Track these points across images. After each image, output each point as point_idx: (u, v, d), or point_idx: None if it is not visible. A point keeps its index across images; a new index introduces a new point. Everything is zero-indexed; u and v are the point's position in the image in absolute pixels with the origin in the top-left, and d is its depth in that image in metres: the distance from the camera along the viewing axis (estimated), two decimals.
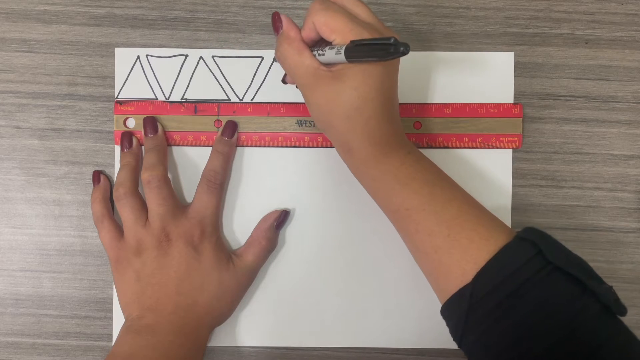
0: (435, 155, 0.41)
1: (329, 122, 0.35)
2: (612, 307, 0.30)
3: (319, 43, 0.36)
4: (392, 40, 0.30)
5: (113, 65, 0.43)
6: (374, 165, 0.35)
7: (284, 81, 0.42)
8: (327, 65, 0.35)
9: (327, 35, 0.34)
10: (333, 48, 0.33)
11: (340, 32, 0.33)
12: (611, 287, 0.31)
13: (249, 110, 0.42)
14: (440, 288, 0.34)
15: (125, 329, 0.38)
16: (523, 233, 0.33)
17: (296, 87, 0.42)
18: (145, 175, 0.39)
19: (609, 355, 0.29)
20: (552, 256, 0.31)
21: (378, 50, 0.31)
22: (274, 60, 0.43)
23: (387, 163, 0.35)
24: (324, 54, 0.34)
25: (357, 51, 0.32)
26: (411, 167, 0.35)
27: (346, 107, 0.34)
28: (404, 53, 0.30)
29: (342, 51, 0.32)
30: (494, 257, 0.31)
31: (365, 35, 0.33)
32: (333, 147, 0.43)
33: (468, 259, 0.32)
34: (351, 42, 0.32)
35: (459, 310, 0.32)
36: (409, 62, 0.43)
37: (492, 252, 0.32)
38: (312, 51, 0.35)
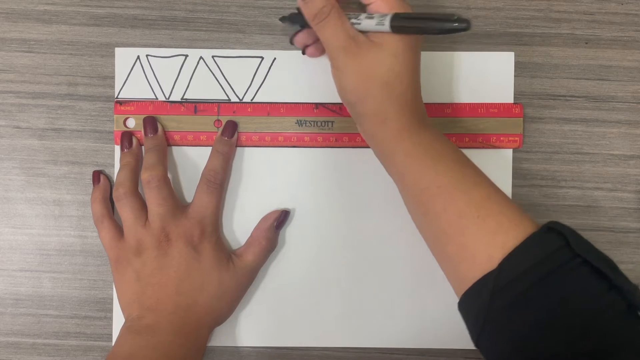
0: None
1: (365, 90, 0.34)
2: (639, 306, 0.29)
3: (349, 8, 0.35)
4: (449, 18, 0.30)
5: (113, 65, 0.43)
6: (407, 137, 0.35)
7: (292, 42, 0.40)
8: (364, 33, 0.34)
9: None
10: (372, 18, 0.33)
11: None
12: (637, 286, 0.30)
13: (249, 110, 0.42)
14: (460, 276, 0.33)
15: (125, 329, 0.38)
16: (550, 224, 0.32)
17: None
18: (145, 175, 0.39)
19: (631, 357, 0.28)
20: (579, 249, 0.30)
21: (431, 25, 0.31)
22: (283, 20, 0.41)
23: (421, 136, 0.35)
24: (360, 23, 0.33)
25: (407, 25, 0.32)
26: (442, 144, 0.35)
27: (387, 73, 0.34)
28: (464, 28, 0.30)
29: (387, 21, 0.32)
30: (522, 243, 0.30)
31: (405, 6, 0.33)
32: (333, 148, 0.43)
33: (496, 243, 0.31)
34: (396, 15, 0.32)
35: (481, 298, 0.31)
36: None
37: (520, 238, 0.31)
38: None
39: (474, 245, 0.32)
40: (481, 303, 0.31)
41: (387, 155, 0.36)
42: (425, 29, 0.31)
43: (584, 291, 0.30)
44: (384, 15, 0.32)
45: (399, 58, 0.33)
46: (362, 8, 0.36)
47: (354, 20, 0.34)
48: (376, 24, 0.32)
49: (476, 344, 0.33)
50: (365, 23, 0.33)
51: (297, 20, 0.39)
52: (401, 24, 0.32)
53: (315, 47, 0.40)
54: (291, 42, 0.40)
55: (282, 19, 0.41)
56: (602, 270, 0.29)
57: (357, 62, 0.34)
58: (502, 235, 0.31)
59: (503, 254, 0.31)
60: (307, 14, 0.35)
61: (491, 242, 0.31)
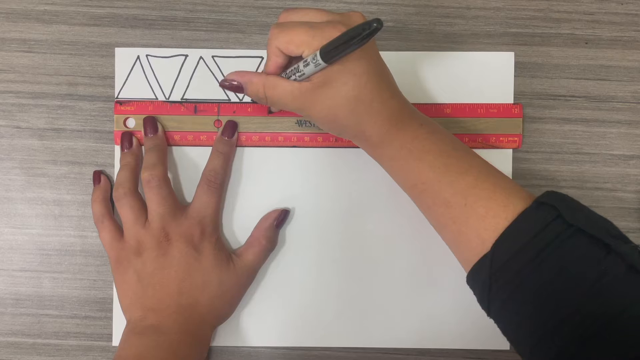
0: None
1: (338, 123, 0.36)
2: (638, 265, 0.29)
3: (289, 66, 0.36)
4: (361, 28, 0.30)
5: (113, 65, 0.43)
6: (388, 144, 0.35)
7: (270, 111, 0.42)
8: (307, 79, 0.35)
9: (295, 52, 0.34)
10: (308, 63, 0.33)
11: (306, 43, 0.33)
12: (637, 246, 0.30)
13: (249, 110, 0.42)
14: (463, 258, 0.35)
15: (128, 331, 0.38)
16: (542, 197, 0.32)
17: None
18: (145, 175, 0.39)
19: (632, 319, 0.29)
20: (572, 218, 0.30)
21: (352, 39, 0.31)
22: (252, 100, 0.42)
23: (400, 138, 0.35)
24: (303, 73, 0.34)
25: (333, 53, 0.32)
26: (425, 139, 0.35)
27: (345, 102, 0.34)
28: (378, 28, 0.30)
29: (318, 59, 0.32)
30: (511, 224, 0.31)
31: (328, 33, 0.33)
32: (333, 148, 0.43)
33: (486, 227, 0.32)
34: (321, 50, 0.32)
35: (481, 279, 0.32)
36: (409, 63, 0.43)
37: (511, 219, 0.31)
38: (287, 77, 0.35)
39: (466, 232, 0.33)
40: (482, 283, 0.32)
41: (378, 161, 0.38)
42: (350, 45, 0.31)
43: (581, 259, 0.30)
44: (315, 55, 0.33)
45: (350, 83, 0.34)
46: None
47: (296, 75, 0.35)
48: (315, 67, 0.33)
49: (488, 314, 0.34)
50: (307, 70, 0.34)
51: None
52: (330, 54, 0.32)
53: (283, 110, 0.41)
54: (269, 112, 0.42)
55: (270, 111, 0.42)
56: (598, 236, 0.30)
57: (317, 110, 0.35)
58: (491, 219, 0.32)
59: (495, 237, 0.32)
60: (251, 97, 0.38)
61: (481, 227, 0.32)
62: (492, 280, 0.32)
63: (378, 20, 0.30)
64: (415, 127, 0.35)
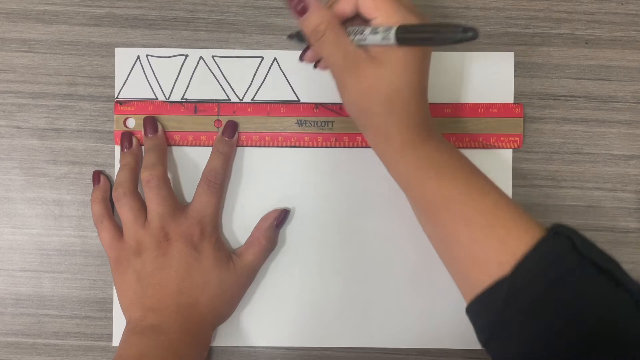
0: None
1: (367, 106, 0.34)
2: None
3: (352, 23, 0.34)
4: (457, 30, 0.29)
5: (113, 65, 0.43)
6: (411, 151, 0.34)
7: (301, 59, 0.39)
8: (364, 48, 0.33)
9: (370, 12, 0.32)
10: (377, 32, 0.32)
11: (385, 11, 0.32)
12: None
13: (249, 110, 0.42)
14: (470, 282, 0.33)
15: (128, 332, 0.38)
16: (556, 228, 0.32)
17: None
18: (144, 175, 0.39)
19: None
20: (586, 251, 0.30)
21: (437, 36, 0.30)
22: (291, 38, 0.39)
23: (423, 149, 0.34)
24: (364, 39, 0.32)
25: (412, 38, 0.30)
26: (447, 154, 0.35)
27: (387, 89, 0.33)
28: (473, 38, 0.29)
29: (392, 34, 0.31)
30: (532, 249, 0.31)
31: (411, 17, 0.32)
32: (333, 148, 0.43)
33: (506, 250, 0.31)
34: (400, 27, 0.31)
35: (494, 303, 0.31)
36: None
37: (529, 244, 0.31)
38: (347, 32, 0.34)
39: (484, 252, 0.32)
40: (494, 308, 0.31)
41: (392, 167, 0.36)
42: (432, 40, 0.30)
43: (593, 292, 0.30)
44: (389, 28, 0.31)
45: (399, 74, 0.33)
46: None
47: (358, 37, 0.33)
48: (382, 39, 0.32)
49: (484, 346, 0.33)
50: (371, 38, 0.32)
51: (304, 36, 0.39)
52: (407, 36, 0.31)
53: (325, 61, 0.40)
54: (301, 59, 0.39)
55: (290, 36, 0.40)
56: (609, 270, 0.30)
57: (357, 80, 0.34)
58: (511, 242, 0.31)
59: (515, 260, 0.31)
60: (305, 32, 0.35)
61: (501, 249, 0.31)
62: (506, 304, 0.31)
63: (474, 30, 0.28)
64: (438, 142, 0.35)
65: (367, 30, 0.33)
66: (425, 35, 0.30)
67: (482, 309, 0.32)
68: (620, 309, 0.29)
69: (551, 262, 0.30)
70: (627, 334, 0.29)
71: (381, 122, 0.34)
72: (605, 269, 0.30)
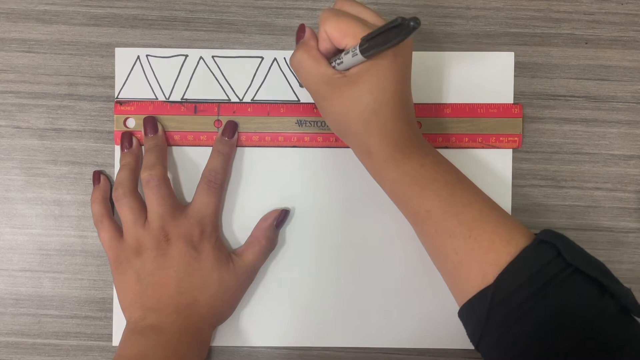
0: None
1: (346, 127, 0.35)
2: (631, 308, 0.30)
3: (335, 54, 0.36)
4: (399, 21, 0.30)
5: (113, 65, 0.43)
6: (393, 167, 0.35)
7: (302, 86, 0.42)
8: (342, 71, 0.35)
9: (340, 40, 0.34)
10: (348, 52, 0.34)
11: (352, 35, 0.33)
12: (629, 289, 0.31)
13: (249, 110, 0.42)
14: (458, 290, 0.34)
15: (128, 331, 0.38)
16: (542, 235, 0.32)
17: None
18: (144, 175, 0.39)
19: (630, 357, 0.29)
20: (571, 258, 0.31)
21: (390, 35, 0.31)
22: (302, 86, 0.42)
23: (406, 164, 0.35)
24: (342, 62, 0.34)
25: (371, 44, 0.32)
26: (431, 168, 0.35)
27: (363, 110, 0.34)
28: (415, 27, 0.29)
29: (357, 50, 0.32)
30: (515, 259, 0.31)
31: (370, 29, 0.33)
32: (333, 148, 0.43)
33: (489, 260, 0.32)
34: (362, 38, 0.32)
35: (479, 312, 0.32)
36: None
37: (513, 254, 0.32)
38: (330, 62, 0.36)
39: (468, 264, 0.33)
40: (479, 316, 0.32)
41: (378, 180, 0.37)
42: (388, 40, 0.31)
43: (578, 298, 0.30)
44: (355, 46, 0.33)
45: (375, 94, 0.34)
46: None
47: (337, 61, 0.35)
48: (352, 57, 0.33)
49: (476, 348, 0.34)
50: (346, 59, 0.34)
51: None
52: (366, 46, 0.32)
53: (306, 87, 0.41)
54: (301, 86, 0.42)
55: (301, 85, 0.42)
56: (595, 277, 0.30)
57: (334, 104, 0.35)
58: (494, 253, 0.32)
59: (497, 271, 0.31)
60: (291, 67, 0.37)
61: (484, 260, 0.32)
62: (490, 313, 0.31)
63: (415, 19, 0.29)
64: (422, 156, 0.35)
65: (343, 54, 0.34)
66: (379, 40, 0.31)
67: (470, 315, 0.33)
68: (605, 315, 0.30)
69: (535, 270, 0.31)
70: (611, 339, 0.29)
71: (362, 141, 0.36)
72: (590, 275, 0.30)
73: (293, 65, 0.37)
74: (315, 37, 0.36)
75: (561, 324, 0.30)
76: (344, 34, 0.34)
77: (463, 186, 0.35)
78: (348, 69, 0.35)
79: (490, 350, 0.33)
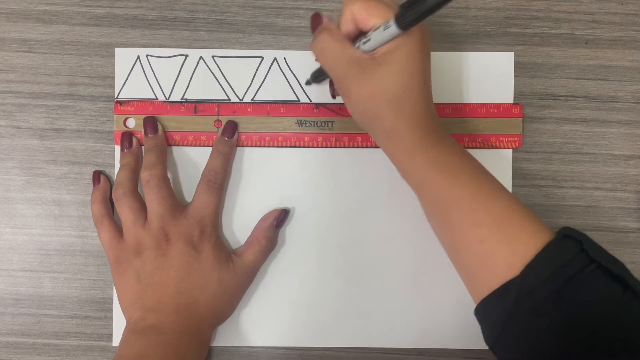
0: None
1: (374, 111, 0.34)
2: None
3: (358, 37, 0.35)
4: None
5: (113, 65, 0.43)
6: (422, 152, 0.34)
7: (309, 83, 0.42)
8: (368, 52, 0.34)
9: (367, 21, 0.33)
10: (378, 28, 0.33)
11: (379, 15, 0.33)
12: None
13: (249, 110, 0.42)
14: (479, 283, 0.33)
15: (128, 331, 0.38)
16: (565, 231, 0.32)
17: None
18: (144, 175, 0.39)
19: None
20: (595, 254, 0.31)
21: (430, 2, 0.30)
22: (309, 83, 0.43)
23: (435, 150, 0.34)
24: (369, 39, 0.33)
25: (410, 14, 0.31)
26: (458, 157, 0.35)
27: (393, 91, 0.33)
28: None
29: (392, 21, 0.31)
30: (541, 252, 0.31)
31: (395, 7, 0.32)
32: (333, 148, 0.43)
33: (516, 252, 0.32)
34: (401, 5, 0.31)
35: (503, 304, 0.31)
36: None
37: (539, 247, 0.31)
38: (353, 43, 0.35)
39: (493, 254, 0.32)
40: (503, 309, 0.31)
41: (404, 168, 0.36)
42: (427, 6, 0.30)
43: (602, 295, 0.30)
44: (386, 21, 0.32)
45: (405, 74, 0.33)
46: None
47: (364, 41, 0.34)
48: (384, 30, 0.32)
49: (491, 347, 0.33)
50: (374, 36, 0.33)
51: (318, 74, 0.41)
52: (405, 15, 0.31)
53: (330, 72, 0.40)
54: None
55: (308, 82, 0.42)
56: (618, 274, 0.30)
57: (362, 86, 0.34)
58: (521, 245, 0.32)
59: (524, 262, 0.31)
60: (313, 52, 0.36)
61: (511, 251, 0.32)
62: (515, 305, 0.31)
63: None
64: (449, 144, 0.35)
65: (370, 32, 0.33)
66: (419, 7, 0.30)
67: (491, 310, 0.33)
68: (629, 311, 0.30)
69: (560, 264, 0.30)
70: (635, 335, 0.29)
71: (390, 125, 0.34)
72: (613, 272, 0.30)
73: (316, 51, 0.35)
74: (335, 22, 0.36)
75: (586, 318, 0.30)
76: (371, 13, 0.33)
77: (488, 177, 0.35)
78: (374, 50, 0.34)
79: (510, 347, 0.32)
